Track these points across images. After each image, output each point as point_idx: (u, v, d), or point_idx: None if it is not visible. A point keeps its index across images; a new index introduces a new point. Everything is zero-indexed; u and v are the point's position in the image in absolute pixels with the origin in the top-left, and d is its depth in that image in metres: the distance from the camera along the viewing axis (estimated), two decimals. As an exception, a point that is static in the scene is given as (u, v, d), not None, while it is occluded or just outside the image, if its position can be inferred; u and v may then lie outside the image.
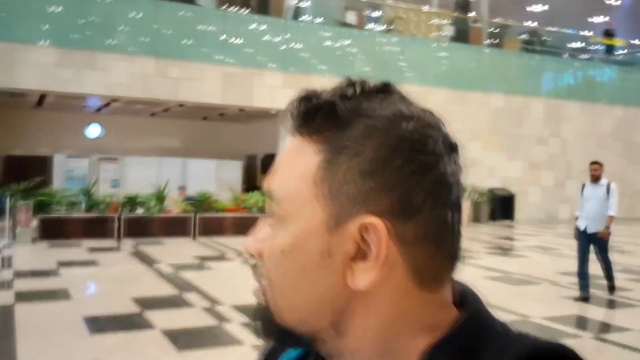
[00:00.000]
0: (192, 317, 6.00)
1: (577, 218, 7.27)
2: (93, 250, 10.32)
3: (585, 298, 6.95)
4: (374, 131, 0.54)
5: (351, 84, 0.57)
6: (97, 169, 15.87)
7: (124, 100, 15.13)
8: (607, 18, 32.94)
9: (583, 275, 6.99)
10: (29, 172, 15.73)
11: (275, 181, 0.58)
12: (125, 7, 14.07)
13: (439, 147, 0.55)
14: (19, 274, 8.00)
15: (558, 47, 21.13)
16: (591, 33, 32.88)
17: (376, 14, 18.54)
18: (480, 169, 17.41)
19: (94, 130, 19.21)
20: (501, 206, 17.80)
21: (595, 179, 7.11)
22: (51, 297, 6.79)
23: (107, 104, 16.86)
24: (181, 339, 5.25)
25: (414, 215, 0.53)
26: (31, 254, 9.97)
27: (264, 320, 0.58)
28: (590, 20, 33.50)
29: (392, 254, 0.53)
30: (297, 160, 0.57)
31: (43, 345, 5.02)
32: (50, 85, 13.33)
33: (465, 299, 0.58)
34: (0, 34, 12.63)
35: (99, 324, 5.66)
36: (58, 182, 15.20)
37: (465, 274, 0.61)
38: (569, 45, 22.12)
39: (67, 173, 15.59)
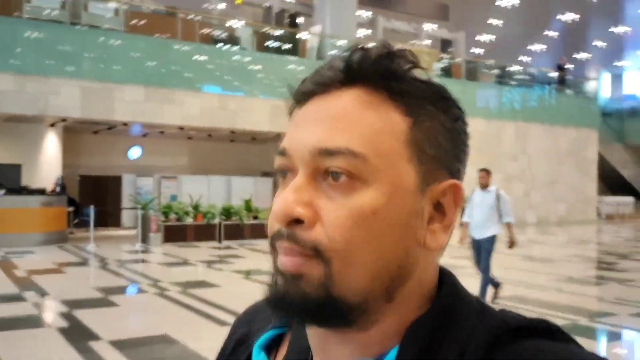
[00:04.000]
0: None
1: (461, 224, 7.39)
2: (215, 248, 13.27)
3: (497, 284, 7.27)
4: (442, 98, 0.57)
5: (396, 51, 0.56)
6: (159, 185, 18.72)
7: (194, 128, 18.03)
8: (544, 46, 38.52)
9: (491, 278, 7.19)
10: (102, 189, 18.46)
11: (350, 137, 0.53)
12: (195, 55, 17.11)
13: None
14: (202, 262, 10.94)
15: (526, 79, 25.24)
16: (529, 59, 38.50)
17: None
18: (466, 181, 21.33)
19: (135, 152, 21.85)
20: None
21: (484, 186, 7.26)
22: (255, 273, 9.85)
23: (162, 132, 19.67)
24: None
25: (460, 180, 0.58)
26: (175, 251, 12.63)
27: (316, 292, 0.53)
28: (529, 48, 38.95)
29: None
30: (379, 118, 0.54)
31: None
32: (138, 117, 16.17)
33: (442, 274, 0.59)
34: (102, 76, 15.43)
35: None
36: (127, 197, 18.02)
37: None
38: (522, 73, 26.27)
39: (136, 189, 18.36)
